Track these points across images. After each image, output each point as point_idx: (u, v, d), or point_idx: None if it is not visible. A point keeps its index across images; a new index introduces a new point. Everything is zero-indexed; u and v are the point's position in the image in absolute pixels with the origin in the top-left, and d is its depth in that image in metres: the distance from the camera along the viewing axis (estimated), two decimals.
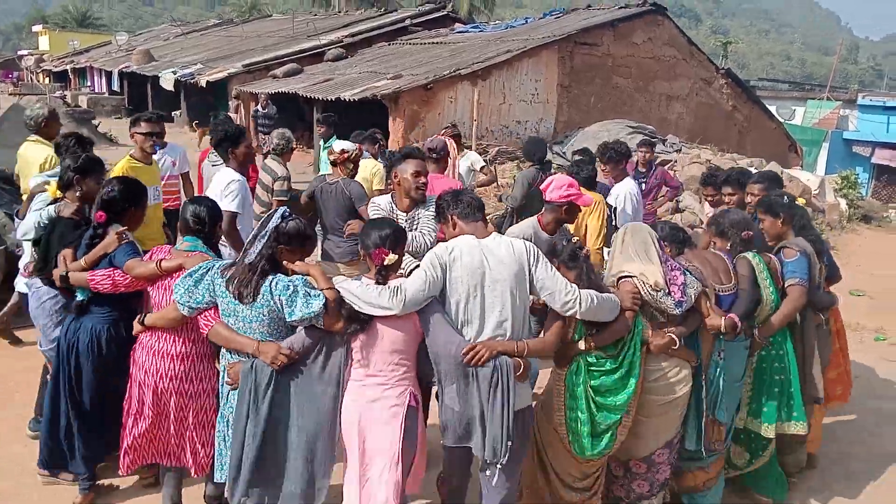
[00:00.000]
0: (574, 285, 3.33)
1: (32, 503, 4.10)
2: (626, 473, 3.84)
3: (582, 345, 3.48)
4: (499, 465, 3.20)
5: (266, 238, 3.27)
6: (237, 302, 3.29)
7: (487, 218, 5.44)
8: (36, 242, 4.26)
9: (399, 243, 3.28)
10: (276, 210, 3.39)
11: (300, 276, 3.26)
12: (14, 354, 5.95)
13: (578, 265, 3.56)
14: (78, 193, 4.20)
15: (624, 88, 16.83)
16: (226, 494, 3.41)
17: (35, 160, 5.49)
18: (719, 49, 47.43)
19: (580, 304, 3.27)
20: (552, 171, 7.29)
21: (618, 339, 3.52)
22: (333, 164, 5.41)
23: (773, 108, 22.24)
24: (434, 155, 5.87)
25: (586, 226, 5.74)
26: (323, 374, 3.27)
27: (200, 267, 3.43)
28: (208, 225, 3.70)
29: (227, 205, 4.80)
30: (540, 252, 3.36)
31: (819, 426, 4.83)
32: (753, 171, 12.22)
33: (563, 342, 3.48)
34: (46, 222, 4.21)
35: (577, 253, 3.62)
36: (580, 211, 4.63)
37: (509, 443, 3.16)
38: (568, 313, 3.31)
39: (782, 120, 22.25)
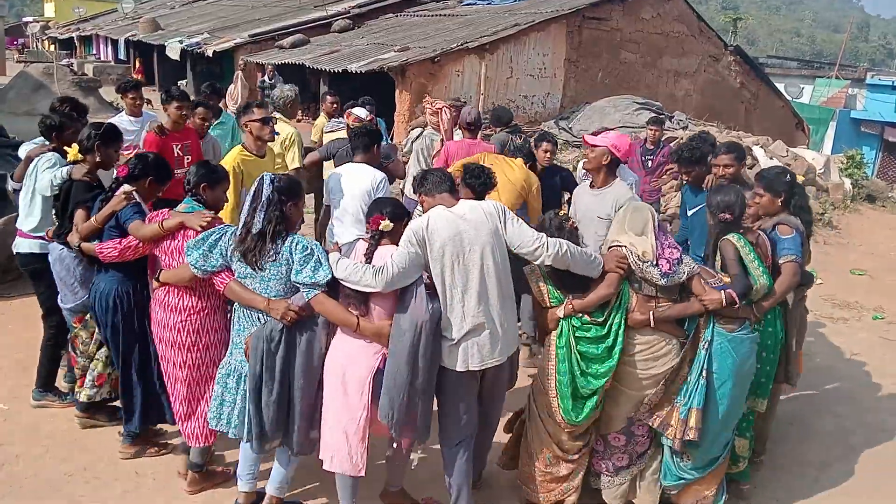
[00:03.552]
0: (542, 234, 3.56)
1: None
2: (605, 448, 3.95)
3: (560, 311, 3.69)
4: None
5: (268, 206, 3.40)
6: (254, 271, 3.45)
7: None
8: (55, 204, 4.43)
9: (396, 217, 3.56)
10: (260, 179, 3.48)
11: (317, 242, 3.46)
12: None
13: (565, 235, 3.77)
14: (97, 159, 4.40)
15: (632, 64, 16.73)
16: (245, 444, 3.65)
17: (279, 137, 5.86)
18: (729, 25, 47.02)
19: (547, 248, 3.48)
20: (520, 134, 7.90)
21: (604, 304, 3.67)
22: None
23: (781, 86, 22.09)
24: (472, 127, 6.54)
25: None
26: (326, 330, 3.48)
27: (213, 232, 3.59)
28: (195, 186, 3.85)
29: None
30: (507, 210, 3.60)
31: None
32: (759, 149, 12.28)
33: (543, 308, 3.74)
34: (60, 182, 4.39)
35: (564, 224, 3.90)
36: None
37: None
38: (538, 260, 3.53)
39: (790, 98, 22.14)
